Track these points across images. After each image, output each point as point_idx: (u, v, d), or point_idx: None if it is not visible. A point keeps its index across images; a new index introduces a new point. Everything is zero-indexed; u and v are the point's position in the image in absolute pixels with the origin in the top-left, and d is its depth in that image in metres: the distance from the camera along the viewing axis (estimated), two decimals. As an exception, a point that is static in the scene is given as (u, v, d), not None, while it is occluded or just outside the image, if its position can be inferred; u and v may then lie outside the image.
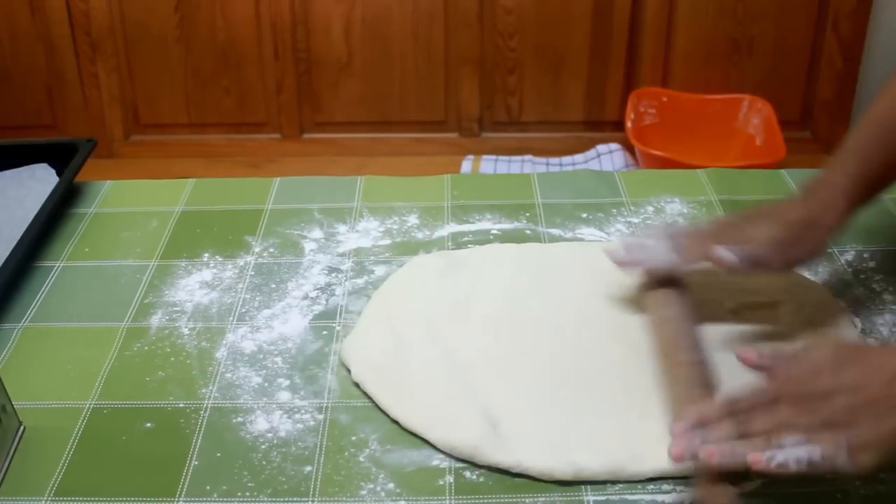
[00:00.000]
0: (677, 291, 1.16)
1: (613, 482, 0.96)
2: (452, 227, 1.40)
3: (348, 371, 1.12)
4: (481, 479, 0.97)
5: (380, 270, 1.30)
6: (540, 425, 1.03)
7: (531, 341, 1.15)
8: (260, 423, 1.04)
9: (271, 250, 1.35)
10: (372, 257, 1.33)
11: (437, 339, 1.16)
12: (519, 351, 1.14)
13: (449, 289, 1.25)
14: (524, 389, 1.08)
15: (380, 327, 1.18)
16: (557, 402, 1.06)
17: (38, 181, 1.49)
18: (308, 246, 1.36)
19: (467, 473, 0.97)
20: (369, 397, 1.07)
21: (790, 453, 0.85)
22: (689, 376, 1.03)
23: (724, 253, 1.11)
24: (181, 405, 1.07)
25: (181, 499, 0.94)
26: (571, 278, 1.27)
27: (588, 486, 0.95)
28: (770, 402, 0.90)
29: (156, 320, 1.21)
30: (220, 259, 1.33)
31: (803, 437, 0.86)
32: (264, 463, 0.99)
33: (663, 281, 1.17)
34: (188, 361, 1.14)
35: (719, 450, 0.87)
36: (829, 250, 1.31)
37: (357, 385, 1.09)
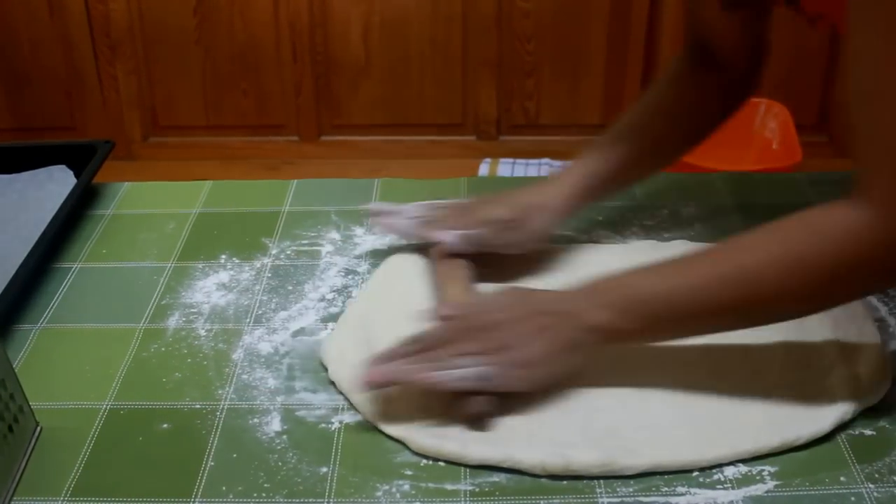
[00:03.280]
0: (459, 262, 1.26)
1: (627, 483, 0.96)
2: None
3: (325, 370, 1.12)
4: (497, 481, 0.97)
5: (396, 273, 1.31)
6: (530, 420, 1.03)
7: None
8: (276, 424, 1.04)
9: (288, 252, 1.35)
10: (388, 259, 1.33)
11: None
12: None
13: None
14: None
15: (359, 325, 1.18)
16: (549, 397, 1.06)
17: (57, 182, 1.49)
18: (325, 248, 1.36)
19: (483, 475, 0.97)
20: (345, 396, 1.08)
21: (464, 372, 1.00)
22: None
23: (443, 236, 1.26)
24: (197, 406, 1.07)
25: (197, 499, 0.95)
26: (555, 278, 1.28)
27: (602, 488, 0.95)
28: (448, 336, 1.05)
29: (173, 322, 1.22)
30: (237, 261, 1.33)
31: (478, 360, 1.01)
32: (280, 464, 0.99)
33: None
34: (205, 363, 1.14)
35: (396, 370, 1.01)
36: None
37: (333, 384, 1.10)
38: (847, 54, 0.95)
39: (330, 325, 1.20)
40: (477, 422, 1.02)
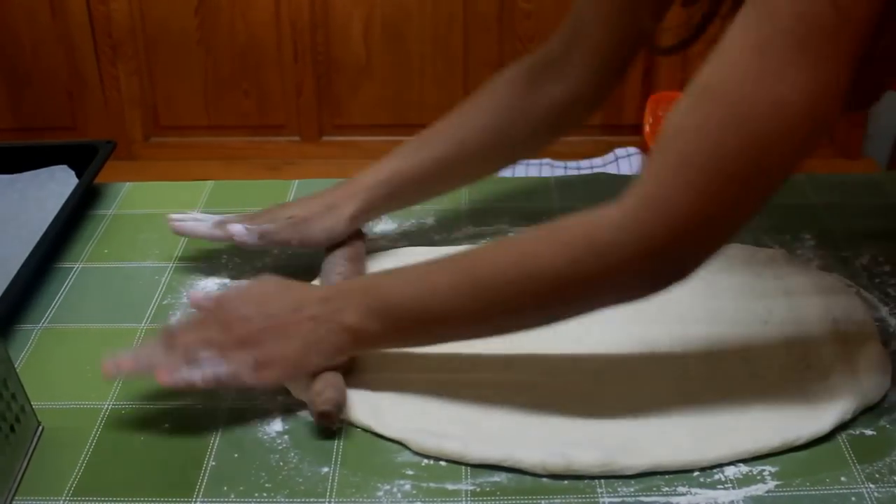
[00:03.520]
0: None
1: (628, 483, 0.96)
2: (469, 230, 1.40)
3: None
4: (498, 481, 0.97)
5: (397, 273, 1.30)
6: (531, 420, 1.04)
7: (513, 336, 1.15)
8: (277, 424, 1.04)
9: (289, 252, 1.35)
10: (389, 260, 1.33)
11: None
12: (504, 345, 1.12)
13: None
14: (513, 384, 1.08)
15: None
16: (549, 396, 1.07)
17: (58, 182, 1.49)
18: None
19: (484, 475, 0.98)
20: None
21: (200, 370, 1.00)
22: None
23: (235, 229, 1.26)
24: (199, 406, 1.07)
25: (198, 499, 0.95)
26: None
27: (603, 488, 0.95)
28: (198, 325, 1.05)
29: (174, 322, 1.22)
30: (239, 261, 1.34)
31: (217, 356, 1.01)
32: (281, 464, 0.99)
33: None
34: (206, 362, 1.14)
35: (133, 361, 1.03)
36: (845, 254, 1.31)
37: None
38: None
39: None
40: (324, 420, 1.02)
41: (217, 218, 1.30)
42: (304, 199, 1.30)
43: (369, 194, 1.28)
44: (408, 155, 1.31)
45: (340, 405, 1.02)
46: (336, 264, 1.25)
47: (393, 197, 1.31)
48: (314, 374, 1.04)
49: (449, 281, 1.00)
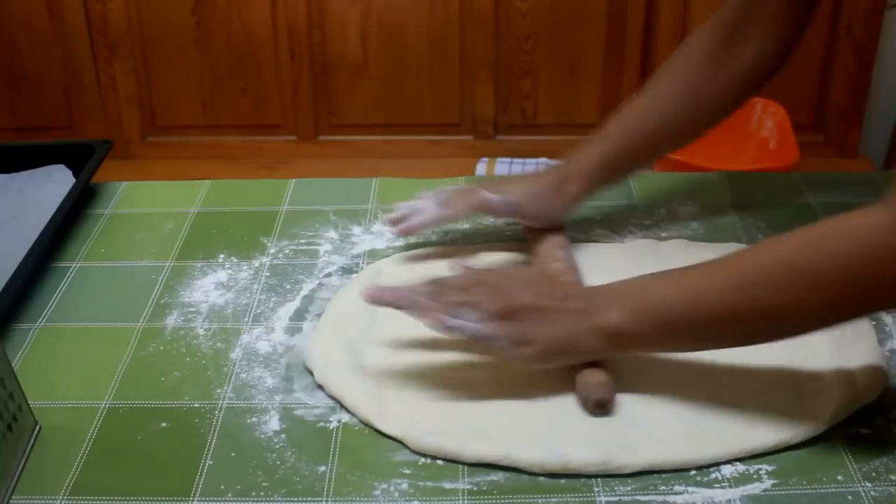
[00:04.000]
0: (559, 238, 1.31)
1: (625, 482, 0.96)
2: (466, 230, 1.40)
3: (311, 373, 1.12)
4: (495, 479, 0.97)
5: (394, 272, 1.31)
6: (528, 419, 1.04)
7: None
8: (274, 423, 1.04)
9: (286, 251, 1.35)
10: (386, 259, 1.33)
11: (406, 339, 1.16)
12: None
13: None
14: (510, 384, 1.08)
15: (340, 328, 1.18)
16: (547, 396, 1.07)
17: (55, 182, 1.49)
18: (323, 247, 1.36)
19: (481, 473, 0.98)
20: (337, 400, 1.08)
21: (465, 323, 1.03)
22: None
23: (489, 195, 1.28)
24: (196, 405, 1.07)
25: (196, 498, 0.95)
26: None
27: (600, 487, 0.95)
28: (466, 286, 1.07)
29: (171, 321, 1.22)
30: (236, 260, 1.34)
31: (479, 319, 1.03)
32: (279, 463, 0.99)
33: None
34: (203, 362, 1.14)
35: (405, 295, 1.06)
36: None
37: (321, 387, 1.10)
38: None
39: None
40: (601, 408, 1.03)
41: (425, 203, 1.32)
42: (515, 178, 1.36)
43: (592, 174, 1.30)
44: (615, 134, 1.31)
45: (614, 393, 1.05)
46: (550, 254, 1.27)
47: (609, 176, 1.33)
48: (573, 368, 1.06)
49: (718, 283, 0.98)
